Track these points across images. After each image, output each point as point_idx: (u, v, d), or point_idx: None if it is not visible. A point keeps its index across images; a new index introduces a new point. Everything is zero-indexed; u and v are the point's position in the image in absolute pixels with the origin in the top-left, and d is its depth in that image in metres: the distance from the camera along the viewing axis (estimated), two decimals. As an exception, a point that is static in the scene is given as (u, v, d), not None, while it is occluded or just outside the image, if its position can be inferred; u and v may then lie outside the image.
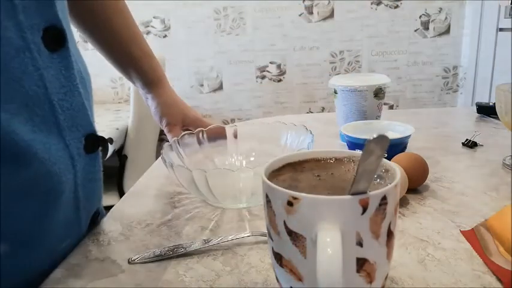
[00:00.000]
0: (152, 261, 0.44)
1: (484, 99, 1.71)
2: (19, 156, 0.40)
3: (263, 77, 2.44)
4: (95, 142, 0.50)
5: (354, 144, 0.67)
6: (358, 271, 0.29)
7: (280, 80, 2.45)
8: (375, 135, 0.25)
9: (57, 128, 0.44)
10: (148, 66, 0.70)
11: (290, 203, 0.28)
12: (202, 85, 2.45)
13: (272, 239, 0.32)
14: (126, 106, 2.08)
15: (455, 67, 2.50)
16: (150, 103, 0.72)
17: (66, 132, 0.46)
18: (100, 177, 0.53)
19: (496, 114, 0.73)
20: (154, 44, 2.08)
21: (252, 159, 0.66)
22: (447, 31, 2.43)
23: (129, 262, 0.44)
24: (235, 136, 0.68)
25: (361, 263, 0.29)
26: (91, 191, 0.51)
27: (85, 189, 0.50)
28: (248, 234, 0.47)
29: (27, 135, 0.40)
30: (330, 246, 0.26)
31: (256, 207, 0.56)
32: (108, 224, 0.53)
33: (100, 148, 0.52)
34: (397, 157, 0.59)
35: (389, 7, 2.37)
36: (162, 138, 2.22)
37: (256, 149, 0.65)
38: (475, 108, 1.05)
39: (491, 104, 1.01)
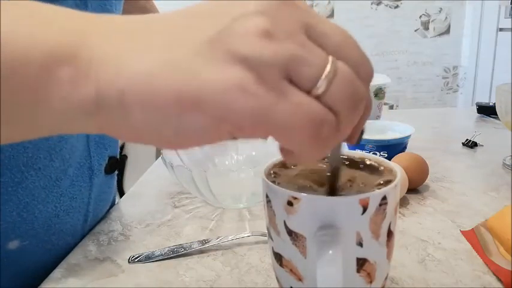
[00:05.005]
0: (152, 261, 0.44)
1: (484, 99, 1.70)
2: (50, 148, 0.42)
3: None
4: (114, 165, 0.53)
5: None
6: (358, 271, 0.29)
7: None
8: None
9: (86, 138, 0.46)
10: None
11: (290, 203, 0.28)
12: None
13: (272, 239, 0.32)
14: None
15: (455, 67, 2.50)
16: None
17: (92, 145, 0.48)
18: (111, 198, 0.55)
19: (496, 114, 0.73)
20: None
21: (252, 158, 0.66)
22: (447, 31, 2.43)
23: (129, 262, 0.44)
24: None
25: (361, 263, 0.29)
26: (101, 208, 0.54)
27: (96, 207, 0.52)
28: (248, 234, 0.47)
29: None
30: (330, 246, 0.26)
31: (256, 207, 0.56)
32: (108, 224, 0.53)
33: (116, 171, 0.55)
34: (397, 157, 0.59)
35: (389, 7, 2.38)
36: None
37: (257, 148, 0.65)
38: (475, 108, 1.05)
39: (491, 104, 1.01)
